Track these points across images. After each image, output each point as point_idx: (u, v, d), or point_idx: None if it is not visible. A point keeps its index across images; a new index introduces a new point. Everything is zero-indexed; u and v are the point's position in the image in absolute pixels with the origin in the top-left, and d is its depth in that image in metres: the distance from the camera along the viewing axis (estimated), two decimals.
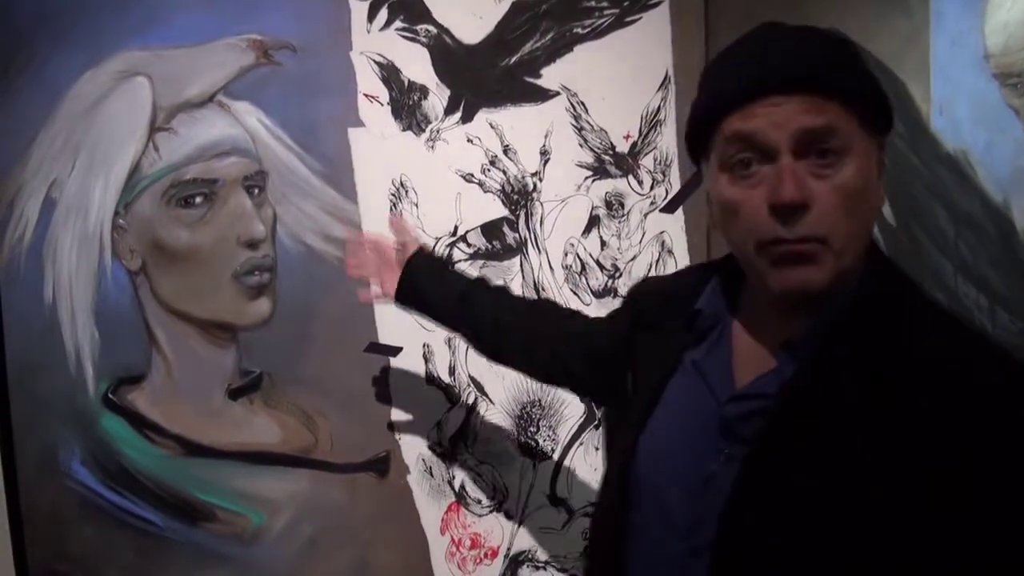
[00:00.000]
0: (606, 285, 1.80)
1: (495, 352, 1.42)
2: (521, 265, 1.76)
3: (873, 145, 0.86)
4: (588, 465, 1.81)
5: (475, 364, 1.72)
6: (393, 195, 1.68)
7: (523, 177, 1.75)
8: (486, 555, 1.76)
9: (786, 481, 0.82)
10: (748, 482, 0.84)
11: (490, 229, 1.74)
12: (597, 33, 1.77)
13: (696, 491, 0.89)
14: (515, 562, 1.78)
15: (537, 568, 1.79)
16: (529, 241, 1.76)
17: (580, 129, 1.77)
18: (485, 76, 1.73)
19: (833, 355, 0.84)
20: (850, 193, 0.83)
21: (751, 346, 0.93)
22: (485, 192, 1.74)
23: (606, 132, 1.78)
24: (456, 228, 1.73)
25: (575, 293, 1.79)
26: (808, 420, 0.82)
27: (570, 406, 1.80)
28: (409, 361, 1.70)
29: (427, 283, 1.42)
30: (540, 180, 1.76)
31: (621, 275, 1.81)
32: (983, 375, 0.79)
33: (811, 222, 0.82)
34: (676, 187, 1.86)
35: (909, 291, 0.89)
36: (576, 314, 1.36)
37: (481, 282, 1.44)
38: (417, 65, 1.69)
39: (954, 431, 0.76)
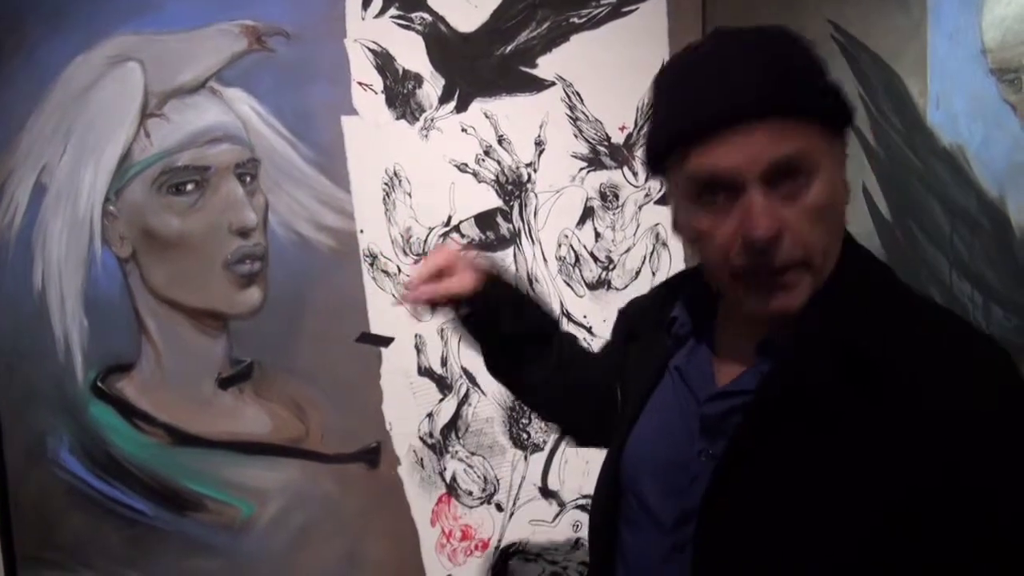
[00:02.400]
0: (600, 277, 1.79)
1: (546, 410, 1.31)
2: (515, 256, 1.75)
3: (839, 147, 0.85)
4: (580, 458, 1.80)
5: (468, 355, 1.71)
6: (386, 184, 1.67)
7: (517, 167, 1.74)
8: (476, 547, 1.76)
9: (765, 475, 0.82)
10: (726, 477, 0.84)
11: (484, 220, 1.73)
12: (594, 23, 1.75)
13: (680, 490, 0.89)
14: (506, 554, 1.77)
15: (528, 560, 1.78)
16: (523, 232, 1.75)
17: (575, 120, 1.76)
18: (480, 65, 1.71)
19: (811, 347, 0.83)
20: (821, 210, 0.81)
21: (730, 346, 0.93)
22: (479, 182, 1.73)
23: (601, 123, 1.77)
24: (449, 218, 1.72)
25: (568, 285, 1.77)
26: (786, 413, 0.82)
27: None
28: (401, 351, 1.69)
29: (509, 307, 1.18)
30: (534, 171, 1.75)
31: (615, 267, 1.80)
32: (961, 360, 0.79)
33: (787, 249, 0.80)
34: None
35: (884, 278, 0.89)
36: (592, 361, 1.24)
37: (566, 334, 1.26)
38: (412, 53, 1.67)
39: (935, 419, 0.75)
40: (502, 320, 1.16)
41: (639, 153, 1.81)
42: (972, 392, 0.76)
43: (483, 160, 1.72)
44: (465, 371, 1.72)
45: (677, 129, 0.83)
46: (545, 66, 1.74)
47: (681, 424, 0.92)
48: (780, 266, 0.81)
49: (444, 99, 1.69)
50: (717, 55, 0.83)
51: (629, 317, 1.12)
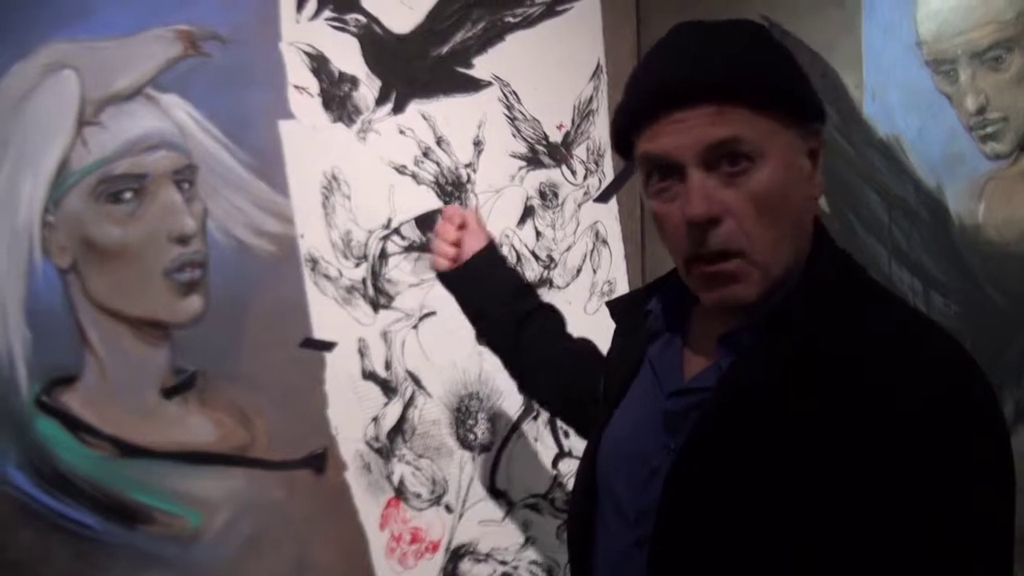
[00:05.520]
0: (541, 276, 1.80)
1: (530, 386, 1.41)
2: None
3: (797, 138, 0.85)
4: (528, 457, 1.81)
5: (412, 357, 1.71)
6: (325, 188, 1.66)
7: (457, 168, 1.74)
8: (427, 549, 1.75)
9: (720, 473, 0.82)
10: (682, 474, 0.84)
11: (424, 221, 1.73)
12: (528, 22, 1.76)
13: (642, 484, 0.90)
14: (456, 555, 1.77)
15: (479, 561, 1.78)
16: None
17: (513, 119, 1.76)
18: (416, 66, 1.71)
19: (769, 345, 0.83)
20: (766, 198, 0.81)
21: (699, 342, 0.94)
22: (419, 184, 1.72)
23: (539, 122, 1.78)
24: (389, 221, 1.71)
25: None
26: (741, 410, 0.82)
27: (508, 399, 1.80)
28: (344, 356, 1.68)
29: (490, 283, 1.33)
30: (474, 171, 1.75)
31: (556, 266, 1.80)
32: (920, 359, 0.79)
33: (724, 235, 0.81)
34: (609, 177, 1.86)
35: (851, 274, 0.89)
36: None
37: (548, 310, 1.36)
38: (347, 55, 1.66)
39: (888, 417, 0.76)
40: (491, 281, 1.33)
41: (577, 152, 1.82)
42: (927, 390, 0.76)
43: (422, 162, 1.71)
44: (410, 374, 1.72)
45: (626, 119, 0.88)
46: (481, 66, 1.74)
47: (650, 417, 0.93)
48: (717, 251, 0.82)
49: (381, 101, 1.68)
50: (667, 45, 0.87)
51: (616, 312, 1.12)
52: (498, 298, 1.32)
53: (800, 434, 0.79)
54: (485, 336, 1.40)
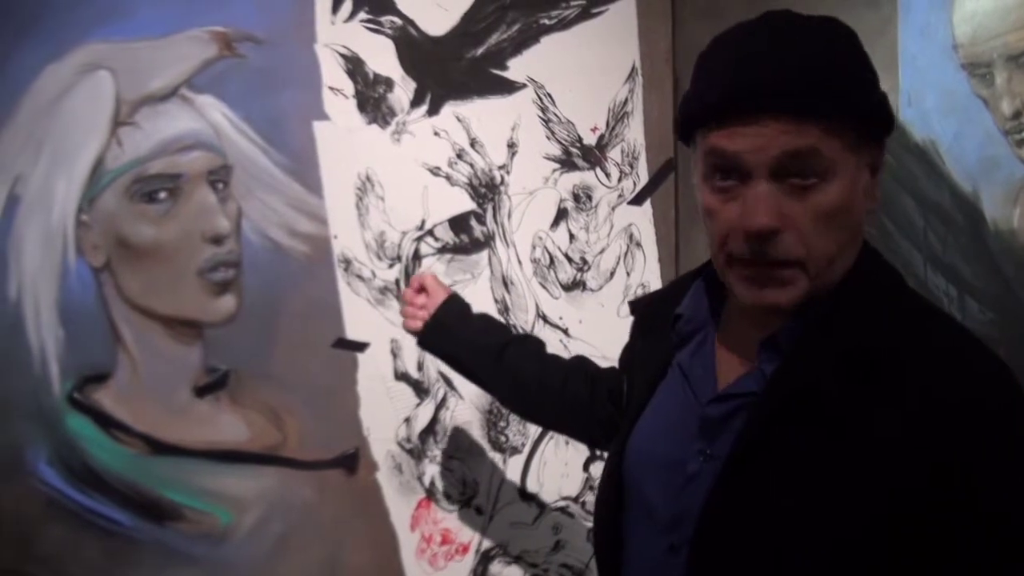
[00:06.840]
0: (574, 278, 1.80)
1: (528, 410, 1.42)
2: (489, 259, 1.76)
3: (864, 155, 0.83)
4: (558, 460, 1.81)
5: None
6: (359, 189, 1.67)
7: (490, 170, 1.74)
8: (457, 551, 1.75)
9: (770, 479, 0.82)
10: (729, 480, 0.84)
11: (458, 223, 1.73)
12: (564, 24, 1.76)
13: (677, 490, 0.89)
14: (486, 557, 1.77)
15: (508, 563, 1.78)
16: (497, 235, 1.76)
17: (547, 121, 1.76)
18: (451, 68, 1.71)
19: (816, 348, 0.83)
20: (829, 214, 0.81)
21: (734, 346, 0.93)
22: (452, 185, 1.73)
23: (573, 124, 1.78)
24: (423, 222, 1.71)
25: (543, 287, 1.78)
26: (791, 415, 0.82)
27: None
28: (377, 356, 1.68)
29: (462, 324, 1.39)
30: (508, 173, 1.75)
31: (589, 268, 1.81)
32: (962, 359, 0.80)
33: (785, 246, 0.81)
34: (644, 180, 1.86)
35: (893, 283, 0.89)
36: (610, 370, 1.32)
37: (524, 336, 1.43)
38: (382, 57, 1.67)
39: (938, 419, 0.76)
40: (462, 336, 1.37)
41: (611, 154, 1.81)
42: (973, 390, 0.77)
43: (456, 163, 1.72)
44: (442, 375, 1.72)
45: (702, 105, 0.85)
46: (516, 68, 1.75)
47: (682, 422, 0.92)
48: (774, 261, 0.81)
49: (415, 103, 1.69)
50: (756, 39, 0.84)
51: (639, 312, 1.13)
52: (472, 336, 1.37)
53: (849, 436, 0.80)
54: (474, 380, 1.42)
